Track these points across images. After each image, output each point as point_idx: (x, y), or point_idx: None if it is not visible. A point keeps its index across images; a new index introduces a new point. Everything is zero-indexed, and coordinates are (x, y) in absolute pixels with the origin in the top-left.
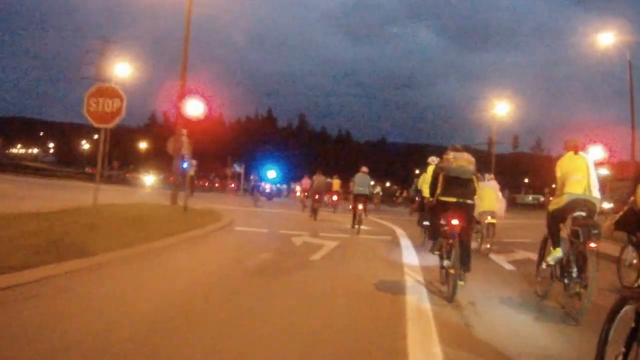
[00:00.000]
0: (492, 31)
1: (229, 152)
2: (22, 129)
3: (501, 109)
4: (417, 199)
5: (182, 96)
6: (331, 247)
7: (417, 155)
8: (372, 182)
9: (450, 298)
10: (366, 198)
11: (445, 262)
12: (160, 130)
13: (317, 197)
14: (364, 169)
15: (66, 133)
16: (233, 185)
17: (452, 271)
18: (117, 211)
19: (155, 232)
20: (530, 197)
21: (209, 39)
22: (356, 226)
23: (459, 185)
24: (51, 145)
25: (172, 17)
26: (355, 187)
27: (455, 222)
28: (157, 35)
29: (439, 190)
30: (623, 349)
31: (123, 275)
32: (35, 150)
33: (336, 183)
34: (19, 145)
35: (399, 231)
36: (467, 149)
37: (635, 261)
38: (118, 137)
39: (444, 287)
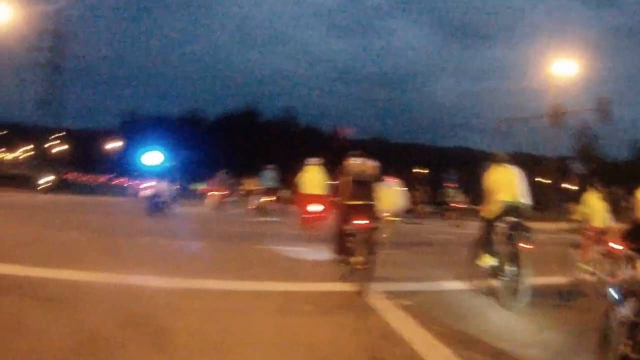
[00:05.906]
0: (489, 27)
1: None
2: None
3: (564, 69)
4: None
5: None
6: None
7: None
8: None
9: (366, 292)
10: (269, 190)
11: (353, 259)
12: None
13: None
14: (269, 165)
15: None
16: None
17: (359, 267)
18: None
19: None
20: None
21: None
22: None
23: (362, 189)
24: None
25: None
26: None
27: (361, 222)
28: None
29: (346, 194)
30: (629, 342)
31: None
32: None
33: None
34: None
35: None
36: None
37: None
38: None
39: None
